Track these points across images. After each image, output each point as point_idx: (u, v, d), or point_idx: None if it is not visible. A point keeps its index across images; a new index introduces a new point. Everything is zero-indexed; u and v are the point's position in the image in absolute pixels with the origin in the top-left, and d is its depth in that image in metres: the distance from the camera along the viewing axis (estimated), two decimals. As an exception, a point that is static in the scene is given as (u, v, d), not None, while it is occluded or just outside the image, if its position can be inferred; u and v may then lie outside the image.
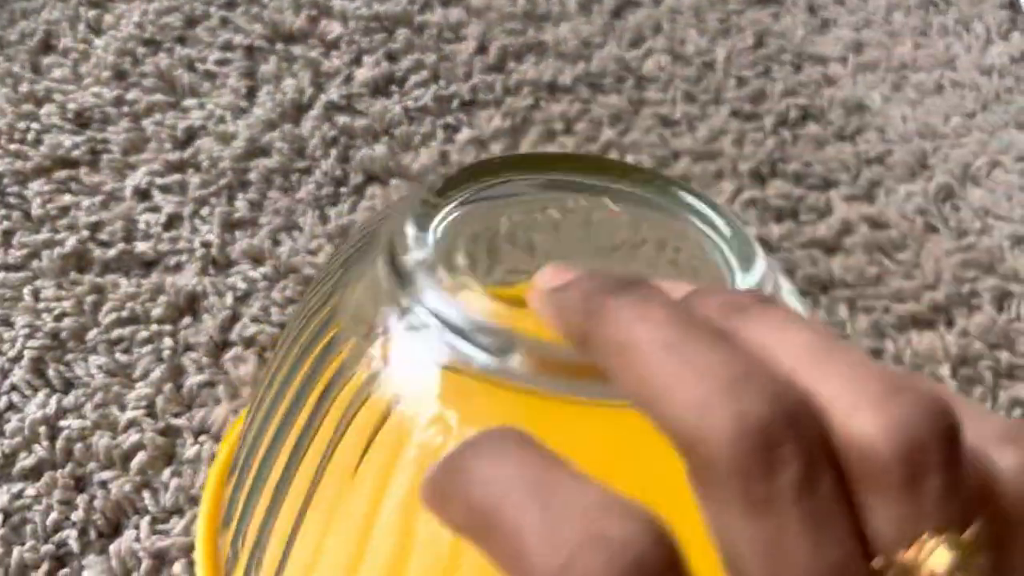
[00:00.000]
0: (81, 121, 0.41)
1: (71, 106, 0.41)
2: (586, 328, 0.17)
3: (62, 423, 0.33)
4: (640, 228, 0.26)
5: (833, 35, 0.52)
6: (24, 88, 0.42)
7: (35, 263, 0.37)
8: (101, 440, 0.33)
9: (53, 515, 0.31)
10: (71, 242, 0.37)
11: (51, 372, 0.34)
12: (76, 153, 0.40)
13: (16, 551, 0.30)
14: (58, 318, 0.35)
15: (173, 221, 0.39)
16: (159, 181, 0.40)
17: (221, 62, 0.44)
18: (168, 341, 0.36)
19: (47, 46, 0.44)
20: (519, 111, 0.45)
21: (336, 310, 0.24)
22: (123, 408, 0.34)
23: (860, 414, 0.15)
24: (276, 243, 0.39)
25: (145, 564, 0.31)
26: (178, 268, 0.38)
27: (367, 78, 0.44)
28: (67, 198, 0.39)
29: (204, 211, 0.39)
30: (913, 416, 0.14)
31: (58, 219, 0.38)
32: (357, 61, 0.45)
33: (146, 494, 0.32)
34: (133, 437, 0.33)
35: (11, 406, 0.33)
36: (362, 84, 0.44)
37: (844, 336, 0.25)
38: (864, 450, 0.14)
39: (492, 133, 0.44)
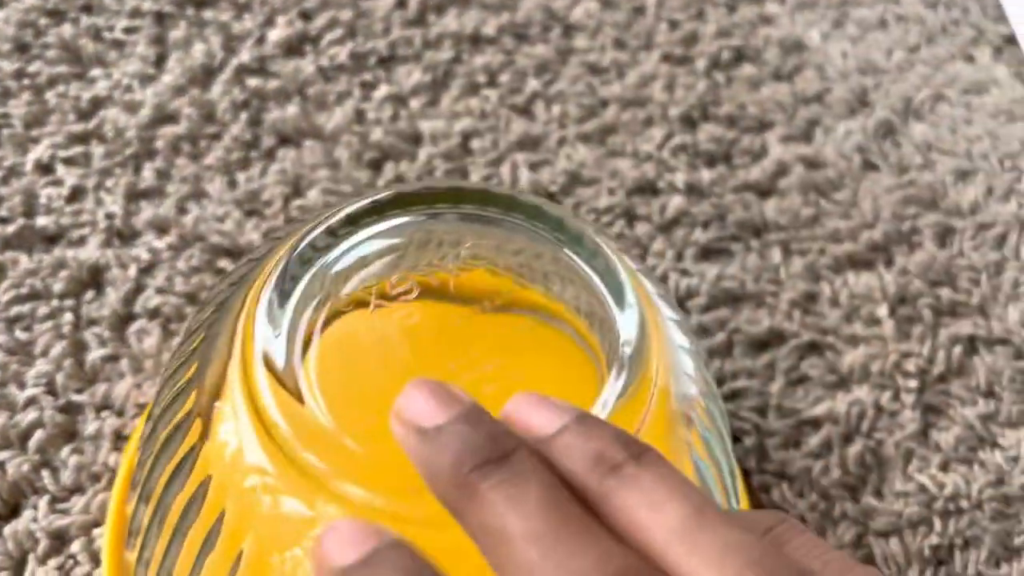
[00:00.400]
0: (-19, 96, 0.40)
1: (-30, 81, 0.40)
2: (456, 506, 0.17)
3: (-44, 404, 0.32)
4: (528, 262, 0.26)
5: (772, -26, 0.50)
6: (-77, 65, 0.40)
7: (-69, 243, 0.36)
8: (-3, 420, 0.32)
9: (-57, 498, 0.30)
10: (-31, 220, 0.36)
11: (-55, 353, 0.33)
12: (-25, 129, 0.39)
13: (-96, 537, 0.29)
14: (-47, 298, 0.34)
15: (76, 194, 0.38)
16: (62, 154, 0.38)
17: (129, 30, 0.43)
18: (69, 316, 0.34)
19: (-52, 22, 0.42)
20: (440, 64, 0.43)
21: (192, 381, 0.24)
22: (22, 386, 0.33)
23: None
24: (182, 211, 0.37)
25: (43, 544, 0.30)
26: (81, 242, 0.36)
27: (280, 38, 0.43)
28: (-35, 175, 0.37)
29: (109, 182, 0.38)
30: None
31: (-44, 197, 0.37)
32: (270, 22, 0.43)
33: (45, 473, 0.31)
34: (32, 415, 0.32)
35: (-97, 389, 0.32)
36: (275, 45, 0.43)
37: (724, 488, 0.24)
38: None
39: (411, 88, 0.42)
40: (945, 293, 0.38)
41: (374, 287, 0.24)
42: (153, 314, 0.35)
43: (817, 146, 0.43)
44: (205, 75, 0.41)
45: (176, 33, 0.43)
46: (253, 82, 0.41)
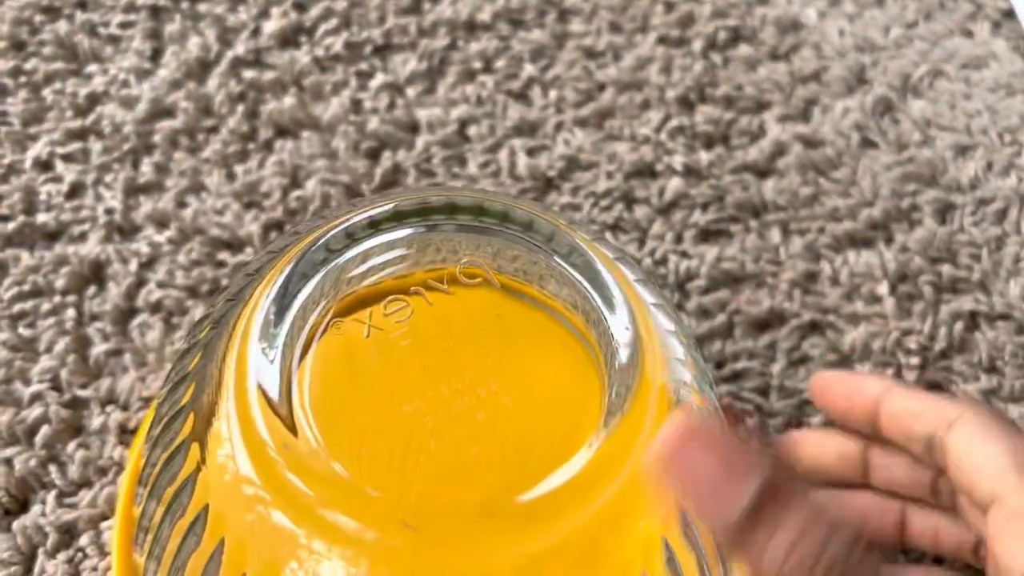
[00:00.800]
0: (-21, 95, 0.40)
1: (-33, 80, 0.40)
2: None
3: (-38, 402, 0.32)
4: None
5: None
6: (-80, 65, 0.41)
7: (-67, 242, 0.36)
8: (3, 416, 0.32)
9: (-48, 495, 0.30)
10: (-31, 218, 0.36)
11: (-51, 351, 0.33)
12: (-26, 128, 0.39)
13: (-86, 534, 0.30)
14: (-44, 296, 0.34)
15: (76, 190, 0.38)
16: (60, 150, 0.39)
17: (124, 25, 0.43)
18: (72, 312, 0.35)
19: (-56, 21, 0.43)
20: (435, 52, 0.43)
21: (189, 404, 0.24)
22: (27, 383, 0.33)
23: None
24: (182, 205, 0.38)
25: (52, 538, 0.30)
26: (82, 237, 0.37)
27: (275, 30, 0.43)
28: (-35, 174, 0.38)
29: (108, 178, 0.38)
30: None
31: (-44, 196, 0.37)
32: (265, 14, 0.43)
33: (52, 468, 0.32)
34: (37, 411, 0.32)
35: (-91, 388, 0.33)
36: (270, 37, 0.43)
37: None
38: None
39: (408, 77, 0.42)
40: (946, 269, 0.38)
41: (370, 312, 0.24)
42: (155, 308, 0.35)
43: (815, 125, 0.43)
44: (201, 68, 0.41)
45: (171, 27, 0.43)
46: (249, 74, 0.41)
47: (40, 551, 0.30)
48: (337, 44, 0.43)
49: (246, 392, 0.22)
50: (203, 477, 0.22)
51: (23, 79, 0.40)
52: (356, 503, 0.20)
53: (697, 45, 0.45)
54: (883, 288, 0.38)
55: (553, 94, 0.42)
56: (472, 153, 0.40)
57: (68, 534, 0.30)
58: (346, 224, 0.24)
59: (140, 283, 0.35)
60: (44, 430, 0.32)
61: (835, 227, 0.39)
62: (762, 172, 0.41)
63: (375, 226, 0.25)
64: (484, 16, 0.44)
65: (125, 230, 0.37)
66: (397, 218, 0.25)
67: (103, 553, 0.30)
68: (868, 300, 0.37)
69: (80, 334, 0.34)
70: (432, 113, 0.41)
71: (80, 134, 0.39)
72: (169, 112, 0.40)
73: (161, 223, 0.37)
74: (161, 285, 0.35)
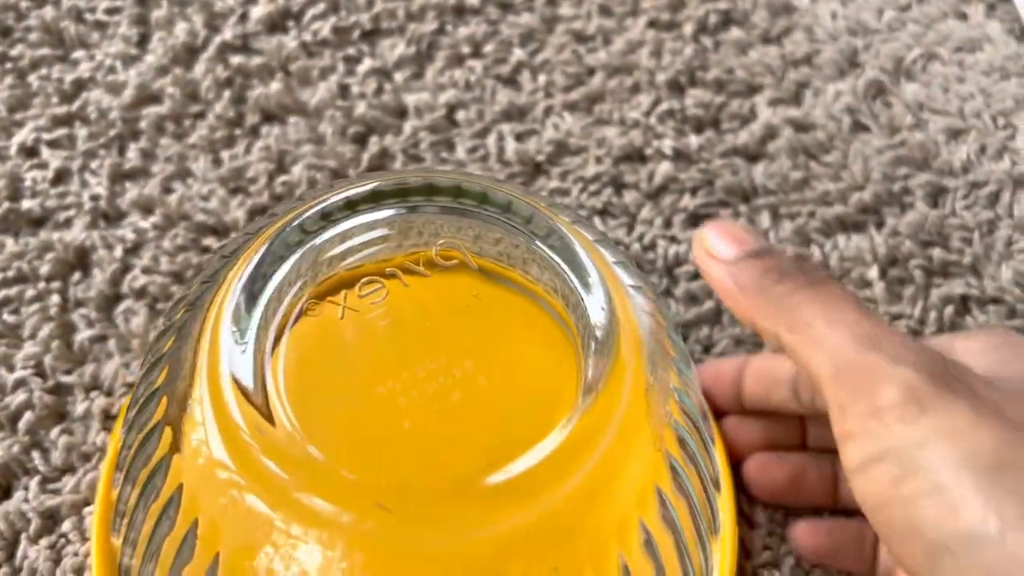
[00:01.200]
0: (-36, 81, 0.40)
1: (-48, 66, 0.40)
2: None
3: (-55, 388, 0.32)
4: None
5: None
6: (-95, 52, 0.40)
7: (-83, 229, 0.36)
8: (-13, 403, 0.32)
9: (-66, 481, 0.30)
10: (-46, 205, 0.36)
11: (-67, 337, 0.33)
12: (-41, 114, 0.39)
13: None
14: (-60, 282, 0.34)
15: (61, 176, 0.38)
16: (46, 136, 0.38)
17: (111, 11, 0.42)
18: (56, 298, 0.34)
19: (-70, 7, 0.42)
20: (424, 37, 0.43)
21: (163, 387, 0.23)
22: (11, 369, 0.33)
23: None
24: (168, 191, 0.37)
25: (35, 524, 0.30)
26: (67, 224, 0.36)
27: (263, 15, 0.43)
28: (-50, 160, 0.37)
29: (93, 164, 0.38)
30: None
31: (-59, 182, 0.37)
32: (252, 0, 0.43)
33: (35, 454, 0.31)
34: (21, 397, 0.32)
35: None
36: (257, 22, 0.42)
37: None
38: None
39: (396, 62, 0.42)
40: (937, 253, 0.38)
41: (344, 294, 0.24)
42: (140, 294, 0.35)
43: (807, 108, 0.42)
44: (188, 54, 0.41)
45: (158, 13, 0.42)
46: (236, 59, 0.41)
47: (23, 536, 0.30)
48: (325, 29, 0.42)
49: (219, 378, 0.22)
50: (177, 460, 0.22)
51: (8, 65, 0.40)
52: (331, 486, 0.20)
53: (688, 28, 0.44)
54: (873, 272, 0.37)
55: (542, 78, 0.42)
56: (460, 138, 0.40)
57: (51, 520, 0.30)
58: (322, 205, 0.24)
59: (125, 269, 0.35)
60: (27, 416, 0.32)
61: (825, 211, 0.39)
62: (752, 156, 0.40)
63: (352, 207, 0.24)
64: (473, 0, 0.44)
65: (110, 216, 0.37)
66: (375, 199, 0.25)
67: (85, 539, 0.30)
68: (858, 284, 0.37)
69: (64, 320, 0.34)
70: (420, 98, 0.41)
71: (66, 120, 0.39)
72: (155, 98, 0.40)
73: (147, 209, 0.37)
74: (146, 271, 0.35)
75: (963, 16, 0.47)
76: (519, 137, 0.40)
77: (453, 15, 0.44)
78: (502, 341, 0.24)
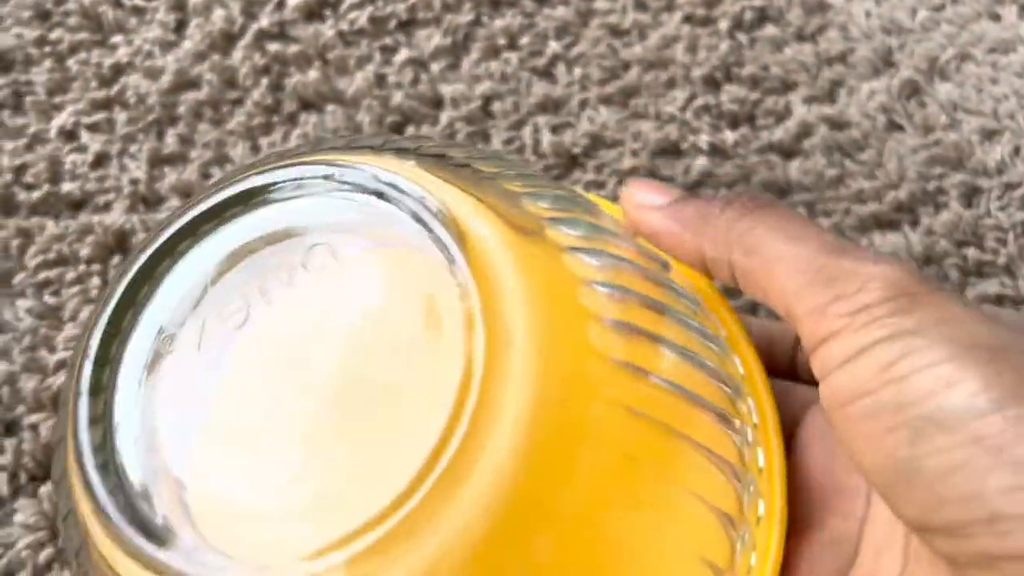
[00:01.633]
0: (3, 63, 0.40)
1: (-8, 49, 0.40)
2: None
3: (-12, 368, 0.32)
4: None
5: (794, -67, 0.49)
6: (-56, 33, 0.41)
7: (-42, 209, 0.36)
8: (29, 383, 0.32)
9: (-22, 459, 0.31)
10: (-5, 186, 0.36)
11: (-25, 317, 0.33)
12: (-1, 96, 0.39)
13: (-59, 497, 0.30)
14: (-19, 263, 0.34)
15: (101, 160, 0.38)
16: (85, 120, 0.39)
17: (148, -4, 0.43)
18: (97, 281, 0.35)
19: (-31, -10, 0.42)
20: (460, 28, 0.43)
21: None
22: (52, 350, 0.33)
23: None
24: (206, 176, 0.37)
25: (77, 504, 0.30)
26: (106, 207, 0.37)
27: (299, 3, 0.43)
28: (-10, 142, 0.38)
29: (132, 148, 0.38)
30: None
31: (-19, 164, 0.37)
32: (289, -14, 0.43)
33: (77, 435, 0.32)
34: (62, 378, 0.32)
35: (-64, 353, 0.33)
36: (294, 9, 0.43)
37: None
38: None
39: (432, 52, 0.42)
40: (971, 253, 0.38)
41: (201, 329, 0.21)
42: (179, 278, 0.35)
43: (841, 106, 0.42)
44: (225, 41, 0.41)
45: (195, -1, 0.43)
46: (274, 47, 0.41)
47: (65, 516, 0.30)
48: (362, 18, 0.42)
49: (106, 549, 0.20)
50: None
51: (47, 48, 0.40)
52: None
53: (723, 25, 0.44)
54: (908, 270, 0.38)
55: (578, 71, 0.42)
56: (496, 129, 0.40)
57: (93, 500, 0.31)
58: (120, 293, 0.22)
59: (165, 253, 0.35)
60: (69, 397, 0.32)
61: (860, 209, 0.39)
62: (788, 153, 0.40)
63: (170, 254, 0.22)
64: (509, -8, 0.44)
65: (149, 200, 0.37)
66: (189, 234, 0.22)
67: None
68: (893, 282, 0.37)
69: (105, 303, 0.34)
70: (456, 89, 0.41)
71: (105, 104, 0.39)
72: (194, 84, 0.40)
73: (186, 193, 0.37)
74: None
75: (996, 17, 0.47)
76: (555, 129, 0.40)
77: (489, 7, 0.44)
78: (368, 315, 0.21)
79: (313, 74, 0.41)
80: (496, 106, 0.41)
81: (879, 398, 0.20)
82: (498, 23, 0.43)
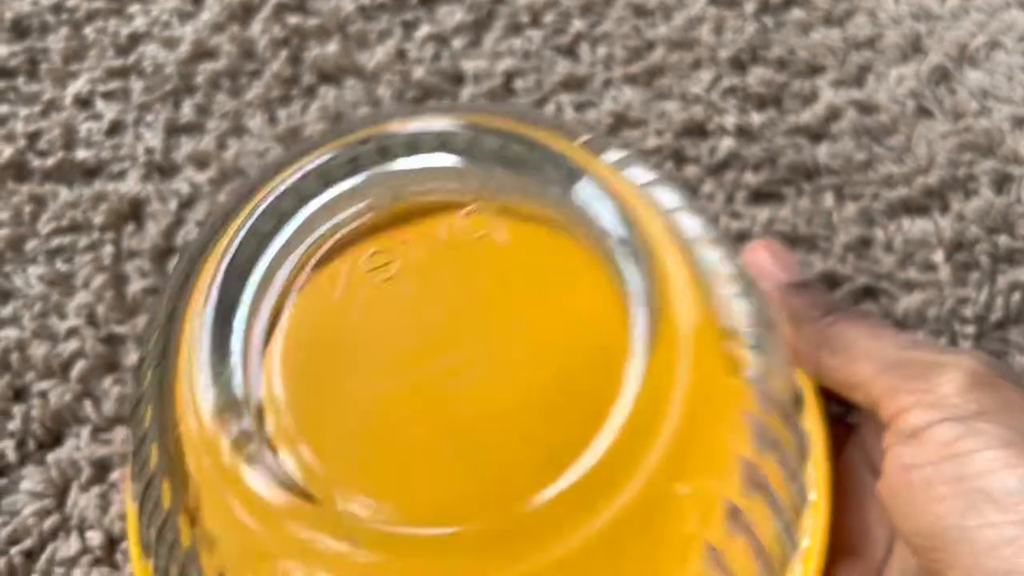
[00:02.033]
0: (19, 30, 0.39)
1: (8, 15, 0.39)
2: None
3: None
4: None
5: (821, -81, 0.49)
6: (-40, -1, 0.40)
7: (-30, 174, 0.35)
8: (39, 349, 0.32)
9: (-14, 424, 0.30)
10: (8, 152, 0.36)
11: (-15, 282, 0.33)
12: (14, 63, 0.38)
13: (-53, 461, 0.29)
14: (-7, 227, 0.34)
15: (116, 128, 0.37)
16: (101, 88, 0.38)
17: (167, -33, 0.42)
18: (110, 248, 0.34)
19: (-15, -43, 0.42)
20: (482, 4, 0.42)
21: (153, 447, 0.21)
22: (63, 317, 0.32)
23: None
24: (222, 147, 0.37)
25: (86, 473, 0.30)
26: (121, 175, 0.36)
27: (320, -23, 0.42)
28: (4, 108, 0.37)
29: (148, 117, 0.37)
30: None
31: (-6, 129, 0.36)
32: (310, -40, 0.43)
33: (87, 403, 0.31)
34: (73, 345, 0.32)
35: (-56, 317, 0.32)
36: (315, -17, 0.42)
37: None
38: None
39: (454, 28, 0.41)
40: (1003, 240, 0.37)
41: (344, 268, 0.21)
42: (194, 248, 0.34)
43: (869, 91, 0.41)
44: (244, 12, 0.41)
45: (214, -29, 0.42)
46: (293, 19, 0.41)
47: (74, 484, 0.29)
48: (383, -7, 0.42)
49: (205, 427, 0.19)
50: (204, 548, 0.20)
51: (64, 16, 0.40)
52: (360, 535, 0.18)
53: (750, 7, 0.44)
54: (938, 256, 0.37)
55: (601, 51, 0.41)
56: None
57: (102, 469, 0.30)
58: (297, 177, 0.22)
59: (179, 222, 0.35)
60: (80, 364, 0.31)
61: (889, 193, 0.38)
62: (815, 135, 0.40)
63: (325, 177, 0.22)
64: (532, -29, 0.43)
65: (164, 169, 0.36)
66: (352, 165, 0.22)
67: (139, 488, 0.29)
68: (923, 267, 0.36)
69: (118, 271, 0.33)
70: (478, 65, 0.40)
71: (121, 72, 0.38)
72: (211, 54, 0.39)
73: (202, 163, 0.36)
74: (200, 225, 0.35)
75: (1027, 6, 0.46)
76: (578, 108, 0.39)
77: (512, -16, 0.43)
78: (537, 307, 0.21)
79: (333, 47, 0.40)
80: (519, 83, 0.40)
81: (939, 469, 0.22)
82: (521, 0, 0.43)
